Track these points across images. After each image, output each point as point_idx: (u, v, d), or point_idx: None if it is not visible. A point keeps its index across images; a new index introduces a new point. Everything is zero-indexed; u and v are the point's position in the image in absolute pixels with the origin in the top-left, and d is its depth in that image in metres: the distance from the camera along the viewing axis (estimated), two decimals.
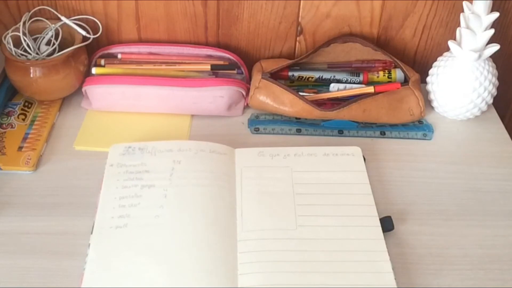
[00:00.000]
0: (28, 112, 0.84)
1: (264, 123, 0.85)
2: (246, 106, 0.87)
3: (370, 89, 0.85)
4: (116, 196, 0.70)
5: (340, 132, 0.84)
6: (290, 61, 0.88)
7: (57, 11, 0.87)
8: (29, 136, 0.80)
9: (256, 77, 0.85)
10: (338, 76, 0.88)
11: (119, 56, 0.88)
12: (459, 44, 0.82)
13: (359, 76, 0.88)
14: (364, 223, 0.69)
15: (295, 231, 0.68)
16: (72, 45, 0.83)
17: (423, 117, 0.85)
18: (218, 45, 0.91)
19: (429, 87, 0.87)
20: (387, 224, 0.69)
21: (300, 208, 0.70)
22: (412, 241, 0.69)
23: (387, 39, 0.92)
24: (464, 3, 0.81)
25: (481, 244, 0.69)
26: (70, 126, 0.83)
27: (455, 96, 0.83)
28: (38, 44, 0.84)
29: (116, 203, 0.69)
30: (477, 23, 0.79)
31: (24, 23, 0.83)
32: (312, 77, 0.89)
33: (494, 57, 0.84)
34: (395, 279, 0.63)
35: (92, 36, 0.85)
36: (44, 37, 0.85)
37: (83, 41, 0.84)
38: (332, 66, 0.90)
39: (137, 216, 0.68)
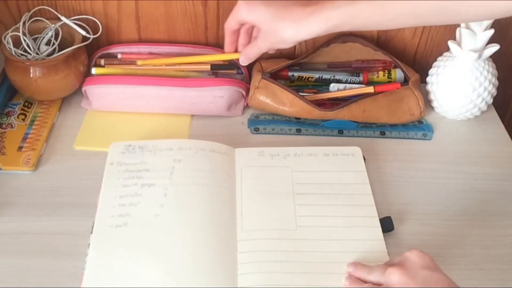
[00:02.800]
0: (28, 112, 0.84)
1: (264, 123, 0.85)
2: (246, 106, 0.87)
3: (370, 89, 0.85)
4: (116, 195, 0.70)
5: (340, 132, 0.84)
6: (290, 61, 0.89)
7: (57, 11, 0.87)
8: (29, 136, 0.80)
9: (256, 77, 0.85)
10: (338, 76, 0.88)
11: (119, 56, 0.88)
12: (459, 44, 0.82)
13: (359, 76, 0.88)
14: (364, 224, 0.69)
15: (294, 231, 0.68)
16: (72, 45, 0.83)
17: (423, 117, 0.85)
18: (218, 45, 0.91)
19: (429, 87, 0.87)
20: (387, 225, 0.69)
21: (300, 208, 0.70)
22: (412, 241, 0.69)
23: (387, 39, 0.92)
24: None
25: (481, 244, 0.69)
26: (70, 126, 0.83)
27: (455, 96, 0.83)
28: (38, 44, 0.84)
29: (116, 202, 0.69)
30: (477, 23, 0.79)
31: (24, 23, 0.83)
32: (312, 77, 0.89)
33: (494, 57, 0.84)
34: None
35: (92, 36, 0.85)
36: (44, 37, 0.85)
37: (83, 41, 0.84)
38: (332, 66, 0.90)
39: (137, 215, 0.68)
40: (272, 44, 0.75)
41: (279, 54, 0.93)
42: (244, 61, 0.79)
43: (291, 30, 0.70)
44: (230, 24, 0.77)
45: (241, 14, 0.74)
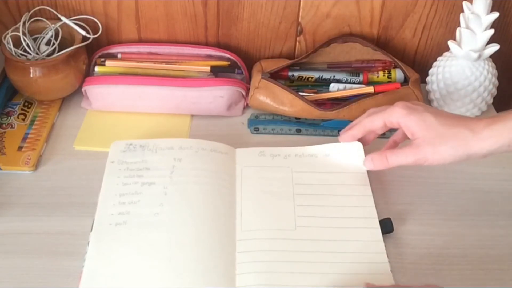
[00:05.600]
0: (28, 112, 0.84)
1: (264, 123, 0.85)
2: (246, 106, 0.87)
3: (370, 89, 0.85)
4: (116, 193, 0.70)
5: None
6: (290, 61, 0.89)
7: (57, 11, 0.87)
8: (29, 136, 0.80)
9: (256, 77, 0.85)
10: (338, 76, 0.88)
11: (119, 56, 0.88)
12: (459, 44, 0.82)
13: (359, 76, 0.88)
14: (363, 225, 0.69)
15: (294, 232, 0.68)
16: (72, 45, 0.83)
17: None
18: (218, 45, 0.91)
19: (429, 87, 0.87)
20: (386, 226, 0.69)
21: (299, 208, 0.70)
22: (412, 241, 0.69)
23: (387, 39, 0.92)
24: (464, 3, 0.81)
25: (481, 244, 0.69)
26: (70, 126, 0.83)
27: (455, 96, 0.83)
28: (38, 44, 0.84)
29: (116, 200, 0.69)
30: (477, 23, 0.79)
31: (24, 23, 0.83)
32: (312, 77, 0.89)
33: (494, 57, 0.84)
34: (393, 280, 0.63)
35: (92, 36, 0.85)
36: (44, 37, 0.85)
37: (83, 41, 0.84)
38: (332, 66, 0.90)
39: (136, 213, 0.68)
40: (424, 158, 0.64)
41: (279, 54, 0.93)
42: (370, 167, 0.71)
43: (458, 144, 0.61)
44: (374, 123, 0.69)
45: (397, 116, 0.65)
